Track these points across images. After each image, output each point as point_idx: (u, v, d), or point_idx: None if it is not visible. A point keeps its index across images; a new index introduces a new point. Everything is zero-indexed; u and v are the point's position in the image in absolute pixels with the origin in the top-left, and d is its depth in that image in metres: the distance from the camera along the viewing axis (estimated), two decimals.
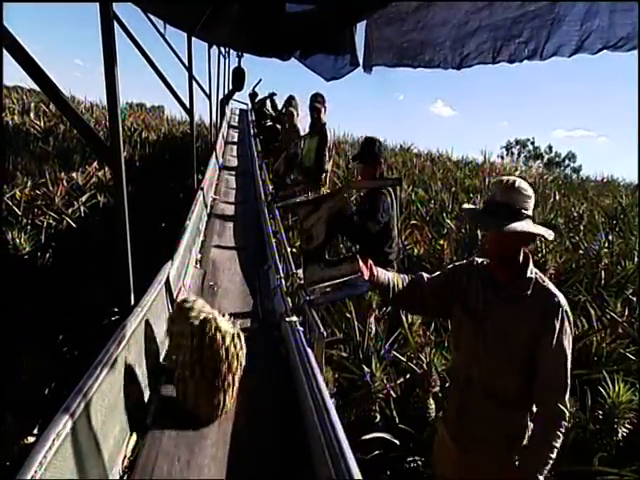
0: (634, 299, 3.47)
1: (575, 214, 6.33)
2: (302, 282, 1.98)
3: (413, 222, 5.52)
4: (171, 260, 2.46)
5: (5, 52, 1.41)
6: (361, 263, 1.64)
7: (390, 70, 3.12)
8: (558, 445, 1.29)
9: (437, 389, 2.32)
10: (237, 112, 12.48)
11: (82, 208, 5.39)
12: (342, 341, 2.74)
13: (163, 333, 1.95)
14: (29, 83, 8.98)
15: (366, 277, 1.62)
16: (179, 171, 6.69)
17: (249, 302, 2.80)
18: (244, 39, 4.50)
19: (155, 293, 2.00)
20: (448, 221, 5.42)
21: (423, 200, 6.49)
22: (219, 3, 3.16)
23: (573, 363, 1.36)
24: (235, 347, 1.59)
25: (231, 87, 8.52)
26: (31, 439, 2.16)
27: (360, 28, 3.16)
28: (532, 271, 1.40)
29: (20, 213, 4.90)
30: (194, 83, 5.44)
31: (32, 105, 10.21)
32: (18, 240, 4.20)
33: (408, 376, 2.46)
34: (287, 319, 2.15)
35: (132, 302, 1.93)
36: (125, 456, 1.45)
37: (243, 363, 1.64)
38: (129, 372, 1.57)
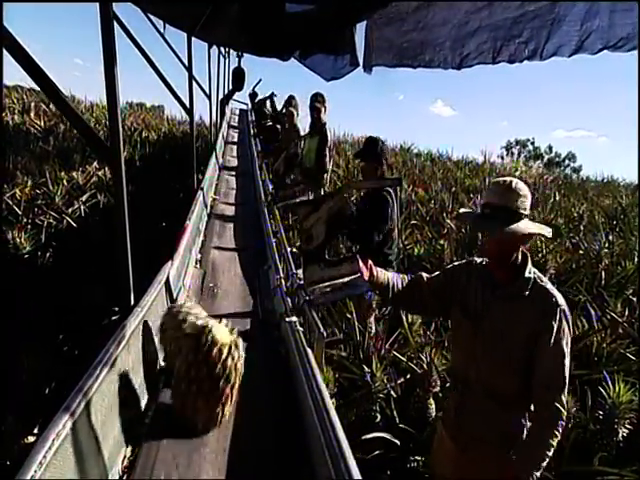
0: (634, 299, 3.47)
1: (575, 214, 6.33)
2: (302, 282, 1.99)
3: (413, 222, 5.53)
4: (171, 260, 2.46)
5: (5, 52, 1.42)
6: (361, 263, 1.64)
7: (390, 70, 3.12)
8: (554, 443, 1.29)
9: (437, 389, 2.32)
10: (237, 112, 12.49)
11: (82, 208, 5.40)
12: (342, 341, 2.74)
13: None
14: (29, 83, 9.01)
15: (366, 277, 1.62)
16: (179, 171, 6.69)
17: (249, 302, 2.80)
18: (244, 39, 4.50)
19: (155, 293, 2.00)
20: (448, 221, 5.42)
21: (423, 200, 6.49)
22: (219, 3, 3.16)
23: (573, 363, 1.36)
24: (233, 358, 1.52)
25: (231, 87, 8.53)
26: (31, 439, 2.16)
27: (360, 28, 3.15)
28: (531, 271, 1.40)
29: (20, 212, 4.91)
30: (194, 83, 5.45)
31: (32, 104, 10.22)
32: (18, 240, 4.20)
33: (408, 376, 2.46)
34: (287, 319, 2.15)
35: (132, 302, 1.94)
36: (125, 456, 1.45)
37: (242, 371, 1.58)
38: (129, 372, 1.58)
